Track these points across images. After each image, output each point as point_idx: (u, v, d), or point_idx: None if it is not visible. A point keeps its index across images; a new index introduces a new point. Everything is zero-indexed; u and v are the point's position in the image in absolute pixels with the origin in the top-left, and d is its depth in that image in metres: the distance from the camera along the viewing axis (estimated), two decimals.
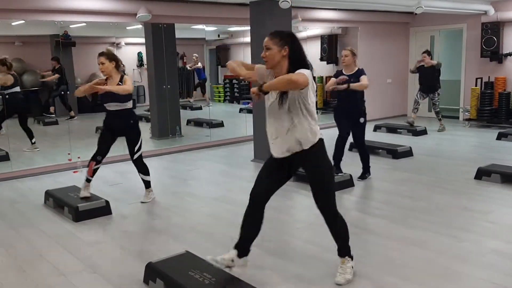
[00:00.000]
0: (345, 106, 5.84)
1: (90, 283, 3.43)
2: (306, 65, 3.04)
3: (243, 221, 3.30)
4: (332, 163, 5.86)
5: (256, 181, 3.29)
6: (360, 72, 5.70)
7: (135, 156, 5.15)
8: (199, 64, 12.23)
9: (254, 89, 2.92)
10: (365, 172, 6.01)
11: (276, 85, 2.90)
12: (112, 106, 4.94)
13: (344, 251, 3.31)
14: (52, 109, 10.04)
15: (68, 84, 9.69)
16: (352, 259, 3.33)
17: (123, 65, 9.90)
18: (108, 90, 4.74)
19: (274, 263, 3.64)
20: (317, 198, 3.20)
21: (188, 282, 3.07)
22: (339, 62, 11.55)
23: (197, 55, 12.31)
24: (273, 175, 3.27)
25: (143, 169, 5.27)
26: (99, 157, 5.06)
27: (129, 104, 4.99)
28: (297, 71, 2.91)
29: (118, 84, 4.88)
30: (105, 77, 4.96)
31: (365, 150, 6.02)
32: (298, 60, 3.03)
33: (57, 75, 9.55)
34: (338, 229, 3.27)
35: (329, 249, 3.89)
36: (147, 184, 5.36)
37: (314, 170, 3.15)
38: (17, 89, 7.65)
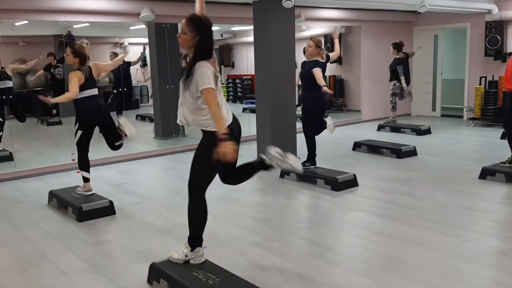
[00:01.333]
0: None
1: (94, 283, 3.43)
2: (209, 57, 3.07)
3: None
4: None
5: None
6: (314, 63, 5.84)
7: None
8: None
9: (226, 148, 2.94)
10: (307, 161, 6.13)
11: (218, 122, 2.96)
12: None
13: (191, 240, 3.33)
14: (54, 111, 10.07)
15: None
16: (192, 251, 3.33)
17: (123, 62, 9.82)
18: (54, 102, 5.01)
19: (277, 263, 3.63)
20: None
21: (192, 283, 3.07)
22: (343, 61, 11.58)
23: None
24: None
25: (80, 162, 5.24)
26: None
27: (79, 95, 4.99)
28: (202, 80, 2.95)
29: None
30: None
31: (308, 138, 6.09)
32: (203, 52, 3.04)
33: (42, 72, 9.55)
34: (190, 214, 3.30)
35: (333, 249, 3.89)
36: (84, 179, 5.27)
37: (196, 150, 3.28)
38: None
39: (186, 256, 3.33)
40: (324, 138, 6.79)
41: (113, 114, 5.55)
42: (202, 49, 3.05)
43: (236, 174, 3.49)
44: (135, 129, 5.18)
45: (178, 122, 3.25)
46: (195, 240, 3.33)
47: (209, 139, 3.11)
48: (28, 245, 4.18)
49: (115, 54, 9.55)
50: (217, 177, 3.38)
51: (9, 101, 7.65)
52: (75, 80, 4.87)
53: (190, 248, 3.33)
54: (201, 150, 3.22)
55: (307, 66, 5.91)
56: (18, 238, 4.37)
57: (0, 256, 3.96)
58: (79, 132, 5.04)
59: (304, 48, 5.96)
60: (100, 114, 5.13)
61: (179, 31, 3.14)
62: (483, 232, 4.13)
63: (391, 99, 9.43)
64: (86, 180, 5.17)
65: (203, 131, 3.19)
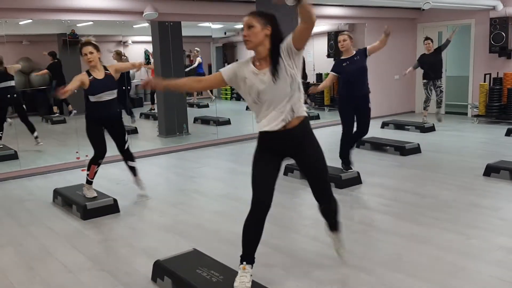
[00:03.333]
0: (354, 92, 5.57)
1: (98, 280, 3.45)
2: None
3: (248, 233, 3.08)
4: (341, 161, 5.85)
5: (257, 186, 3.10)
6: (361, 50, 5.58)
7: (127, 145, 5.19)
8: (199, 59, 12.11)
9: None
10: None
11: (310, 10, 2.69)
12: (105, 96, 4.85)
13: (338, 224, 3.49)
14: (55, 108, 10.09)
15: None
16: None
17: (125, 56, 9.79)
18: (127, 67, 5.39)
19: (281, 261, 3.64)
20: (319, 179, 3.15)
21: (195, 280, 3.08)
22: None
23: (198, 49, 12.24)
24: (272, 173, 3.12)
25: (132, 156, 5.33)
26: (100, 160, 5.05)
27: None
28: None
29: (107, 74, 4.88)
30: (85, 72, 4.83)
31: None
32: (279, 41, 2.93)
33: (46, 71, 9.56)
34: (335, 207, 3.38)
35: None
36: (136, 171, 5.41)
37: (313, 147, 3.08)
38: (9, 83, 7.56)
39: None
40: None
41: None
42: (278, 39, 2.92)
43: (326, 194, 3.30)
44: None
45: (281, 125, 2.91)
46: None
47: (308, 126, 3.05)
48: (34, 243, 4.20)
49: (118, 55, 9.56)
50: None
51: (9, 100, 7.69)
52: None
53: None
54: (316, 142, 3.09)
55: (359, 60, 5.52)
56: (23, 235, 4.40)
57: (6, 254, 3.99)
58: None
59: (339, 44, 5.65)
60: None
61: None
62: (488, 229, 4.12)
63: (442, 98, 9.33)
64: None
65: (300, 122, 2.96)
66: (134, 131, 9.35)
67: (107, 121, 4.98)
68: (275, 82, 2.87)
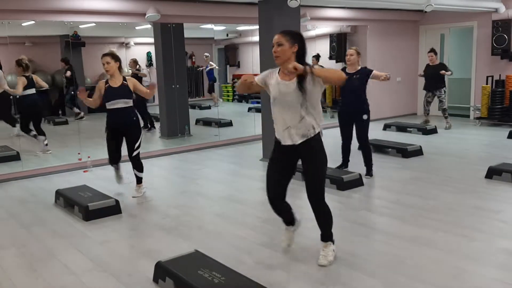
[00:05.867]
0: (349, 106, 5.91)
1: (100, 282, 3.45)
2: (307, 63, 3.34)
3: (277, 214, 3.71)
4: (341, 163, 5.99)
5: (269, 183, 3.55)
6: (365, 70, 5.82)
7: (134, 153, 5.36)
8: (211, 63, 12.17)
9: (300, 67, 3.12)
10: (369, 170, 6.03)
11: (326, 75, 3.23)
12: (119, 104, 5.17)
13: (327, 236, 3.61)
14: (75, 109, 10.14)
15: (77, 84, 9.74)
16: (333, 243, 3.64)
17: (139, 65, 9.84)
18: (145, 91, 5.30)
19: (283, 263, 3.64)
20: (310, 186, 3.49)
21: (197, 281, 3.08)
22: None
23: (208, 54, 12.28)
24: (282, 171, 3.54)
25: (139, 166, 5.48)
26: (114, 165, 5.53)
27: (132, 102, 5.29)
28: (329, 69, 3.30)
29: (123, 84, 5.18)
30: (105, 79, 5.26)
31: (369, 149, 6.08)
32: (303, 58, 3.33)
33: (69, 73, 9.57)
34: (325, 217, 3.58)
35: (339, 249, 3.88)
36: (139, 180, 5.56)
37: (312, 158, 3.42)
38: (32, 91, 7.60)
39: (334, 250, 3.62)
40: None
41: None
42: (302, 55, 3.32)
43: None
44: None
45: (290, 143, 3.41)
46: (331, 235, 3.63)
47: (318, 143, 3.39)
48: (36, 244, 4.20)
49: (134, 62, 9.61)
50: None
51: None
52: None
53: (331, 243, 3.61)
54: (321, 157, 3.43)
55: (359, 75, 5.75)
56: (25, 237, 4.40)
57: (8, 255, 3.99)
58: (142, 137, 5.49)
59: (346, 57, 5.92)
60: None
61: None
62: (490, 232, 4.12)
63: (445, 107, 9.44)
64: (141, 180, 5.58)
65: (310, 139, 3.36)
66: None
67: (122, 127, 5.27)
68: (295, 99, 3.30)
